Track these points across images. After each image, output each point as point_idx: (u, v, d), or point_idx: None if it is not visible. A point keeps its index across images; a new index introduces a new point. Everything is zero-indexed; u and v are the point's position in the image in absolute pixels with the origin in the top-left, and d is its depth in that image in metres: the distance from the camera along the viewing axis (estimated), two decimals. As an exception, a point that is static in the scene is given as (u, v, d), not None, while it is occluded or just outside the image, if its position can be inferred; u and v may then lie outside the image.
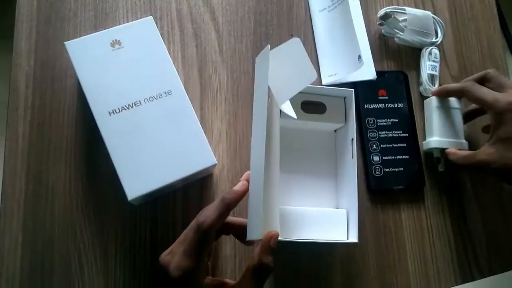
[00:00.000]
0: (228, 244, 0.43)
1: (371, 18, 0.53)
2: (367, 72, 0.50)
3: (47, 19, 0.46)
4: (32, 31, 0.45)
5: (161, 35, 0.42)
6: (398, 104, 0.50)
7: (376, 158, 0.48)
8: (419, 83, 0.52)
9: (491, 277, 0.47)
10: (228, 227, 0.37)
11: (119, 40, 0.40)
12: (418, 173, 0.48)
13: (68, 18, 0.46)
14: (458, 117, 0.49)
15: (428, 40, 0.52)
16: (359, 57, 0.46)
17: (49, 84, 0.44)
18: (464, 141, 0.48)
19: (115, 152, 0.37)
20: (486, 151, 0.42)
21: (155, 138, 0.38)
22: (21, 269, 0.39)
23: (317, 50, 0.51)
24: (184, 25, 0.49)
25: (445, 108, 0.49)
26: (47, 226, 0.41)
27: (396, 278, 0.45)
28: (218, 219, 0.33)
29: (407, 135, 0.49)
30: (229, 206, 0.34)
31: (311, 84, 0.35)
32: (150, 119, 0.38)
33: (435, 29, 0.52)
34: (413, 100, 0.51)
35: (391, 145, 0.48)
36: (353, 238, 0.40)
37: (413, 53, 0.53)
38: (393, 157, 0.48)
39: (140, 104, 0.39)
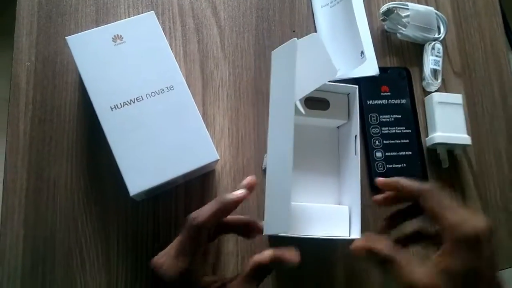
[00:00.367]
0: (230, 241, 0.43)
1: (373, 14, 0.53)
2: (370, 68, 0.50)
3: (48, 15, 0.46)
4: (33, 26, 0.45)
5: (163, 30, 0.42)
6: (401, 100, 0.50)
7: (379, 154, 0.47)
8: (422, 78, 0.51)
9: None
10: (227, 226, 0.36)
11: (120, 35, 0.40)
12: (421, 170, 0.48)
13: (69, 13, 0.46)
14: (460, 113, 0.49)
15: (431, 36, 0.52)
16: (362, 53, 0.46)
17: (50, 80, 0.44)
18: (466, 135, 0.48)
19: (117, 148, 0.37)
20: (427, 274, 0.31)
21: (157, 133, 0.38)
22: (23, 265, 0.39)
23: (320, 46, 0.51)
24: (186, 20, 0.49)
25: (446, 103, 0.49)
26: (48, 221, 0.41)
27: (399, 275, 0.45)
28: (212, 216, 0.32)
29: (410, 131, 0.49)
30: (225, 205, 0.33)
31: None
32: (152, 114, 0.38)
33: (437, 25, 0.52)
34: (415, 96, 0.50)
35: (394, 141, 0.48)
36: (356, 234, 0.40)
37: (416, 49, 0.53)
38: (396, 153, 0.48)
39: (142, 99, 0.38)
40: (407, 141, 0.48)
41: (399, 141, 0.48)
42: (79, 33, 0.40)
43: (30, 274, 0.39)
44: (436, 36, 0.52)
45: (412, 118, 0.49)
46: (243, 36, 0.49)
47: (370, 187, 0.47)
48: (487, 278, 0.32)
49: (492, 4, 0.57)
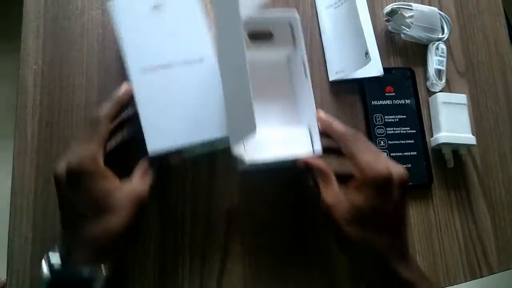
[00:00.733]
0: (236, 242, 0.43)
1: (377, 14, 0.53)
2: (374, 68, 0.50)
3: (54, 18, 0.46)
4: (40, 29, 0.45)
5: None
6: (406, 100, 0.50)
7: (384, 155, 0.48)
8: (426, 78, 0.52)
9: (500, 273, 0.47)
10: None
11: (161, 4, 0.41)
12: (426, 170, 0.48)
13: (75, 16, 0.46)
14: (464, 112, 0.49)
15: (435, 36, 0.52)
16: (367, 53, 0.46)
17: (57, 83, 0.44)
18: (471, 135, 0.48)
19: (143, 107, 0.38)
20: (337, 198, 0.36)
21: (182, 101, 0.39)
22: (31, 267, 0.40)
23: (324, 47, 0.51)
24: None
25: (451, 103, 0.49)
26: (56, 223, 0.41)
27: (405, 275, 0.45)
28: (109, 107, 0.37)
29: (415, 131, 0.49)
30: (118, 97, 0.37)
31: (253, 14, 0.35)
32: (180, 82, 0.39)
33: (441, 25, 0.52)
34: (420, 97, 0.51)
35: (398, 142, 0.48)
36: (318, 150, 0.40)
37: (420, 50, 0.53)
38: (401, 154, 0.48)
39: (173, 66, 0.40)
40: (412, 141, 0.49)
41: (404, 142, 0.48)
42: None
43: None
44: (440, 36, 0.52)
45: (417, 118, 0.49)
46: (248, 37, 0.50)
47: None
48: (390, 220, 0.35)
49: (495, 3, 0.57)
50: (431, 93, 0.51)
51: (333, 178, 0.38)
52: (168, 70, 0.39)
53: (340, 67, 0.49)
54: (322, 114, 0.41)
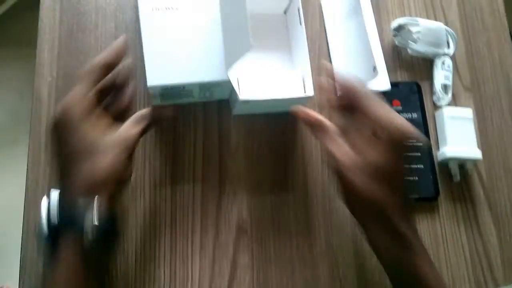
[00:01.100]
0: (246, 254, 0.43)
1: (384, 29, 0.54)
2: (381, 83, 0.51)
3: (69, 30, 0.47)
4: (55, 42, 0.46)
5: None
6: (412, 114, 0.51)
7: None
8: (433, 93, 0.52)
9: (506, 287, 0.47)
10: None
11: None
12: (433, 183, 0.49)
13: (89, 30, 0.47)
14: (470, 127, 0.50)
15: (441, 51, 0.53)
16: (374, 68, 0.47)
17: (71, 94, 0.45)
18: (477, 150, 0.49)
19: (147, 43, 0.40)
20: (345, 151, 0.36)
21: (186, 43, 0.41)
22: (43, 272, 0.40)
23: (332, 61, 0.52)
24: None
25: (457, 117, 0.50)
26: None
27: (412, 288, 0.45)
28: (105, 54, 0.38)
29: (421, 144, 0.49)
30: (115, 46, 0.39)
31: None
32: (185, 25, 0.41)
33: (447, 41, 0.53)
34: (426, 110, 0.51)
35: (405, 155, 0.49)
36: (310, 92, 0.43)
37: (426, 64, 0.54)
38: (407, 167, 0.48)
39: (179, 9, 0.41)
40: (419, 154, 0.49)
41: (411, 154, 0.49)
42: None
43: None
44: (446, 51, 0.53)
45: (424, 132, 0.50)
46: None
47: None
48: (398, 177, 0.36)
49: (500, 19, 0.58)
50: (437, 107, 0.52)
51: (335, 131, 0.38)
52: (175, 12, 0.41)
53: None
54: (329, 65, 0.44)
